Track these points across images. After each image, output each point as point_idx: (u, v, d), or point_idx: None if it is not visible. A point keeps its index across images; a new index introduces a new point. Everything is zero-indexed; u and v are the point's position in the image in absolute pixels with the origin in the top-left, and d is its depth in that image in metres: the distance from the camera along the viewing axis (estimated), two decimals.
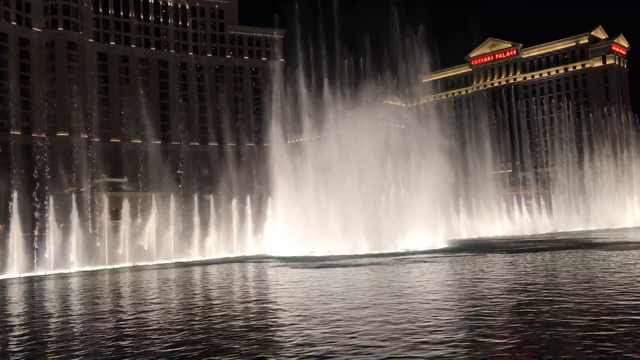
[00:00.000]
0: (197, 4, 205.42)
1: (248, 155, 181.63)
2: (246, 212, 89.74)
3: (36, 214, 72.31)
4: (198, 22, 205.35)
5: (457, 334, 19.62)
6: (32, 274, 59.58)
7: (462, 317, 23.04)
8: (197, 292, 38.57)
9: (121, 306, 32.42)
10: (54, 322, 27.55)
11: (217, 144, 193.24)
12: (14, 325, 26.80)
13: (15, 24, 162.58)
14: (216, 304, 30.91)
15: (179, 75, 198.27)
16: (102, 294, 40.22)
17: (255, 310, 28.00)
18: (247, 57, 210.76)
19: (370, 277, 41.23)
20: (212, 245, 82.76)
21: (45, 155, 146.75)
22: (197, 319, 25.89)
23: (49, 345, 21.52)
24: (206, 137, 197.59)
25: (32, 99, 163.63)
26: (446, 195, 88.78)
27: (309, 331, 21.27)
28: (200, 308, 29.51)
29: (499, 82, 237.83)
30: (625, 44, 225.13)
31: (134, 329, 24.15)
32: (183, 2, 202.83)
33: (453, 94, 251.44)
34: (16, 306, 35.02)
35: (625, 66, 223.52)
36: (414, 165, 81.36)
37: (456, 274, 39.80)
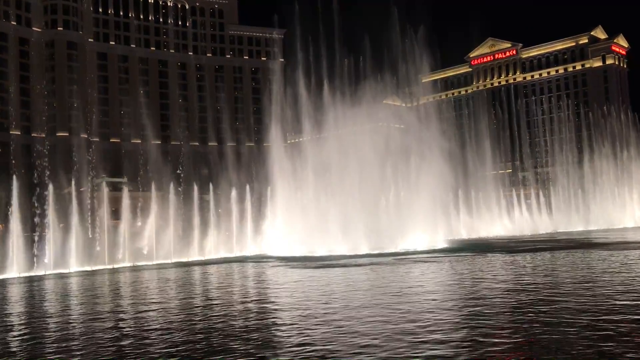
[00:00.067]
0: (197, 4, 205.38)
1: (248, 155, 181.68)
2: (246, 212, 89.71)
3: (36, 214, 72.28)
4: (198, 22, 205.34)
5: (457, 334, 19.60)
6: (32, 273, 59.54)
7: (462, 317, 23.02)
8: (196, 292, 38.55)
9: (121, 306, 32.39)
10: (53, 322, 27.51)
11: (216, 144, 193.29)
12: (14, 325, 26.77)
13: (15, 23, 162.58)
14: (216, 304, 30.89)
15: (178, 75, 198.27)
16: (101, 294, 40.19)
17: (255, 310, 27.98)
18: (246, 57, 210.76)
19: (370, 277, 41.21)
20: (212, 245, 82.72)
21: (45, 155, 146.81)
22: (197, 319, 25.87)
23: (49, 345, 21.49)
24: (206, 137, 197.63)
25: (32, 99, 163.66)
26: (446, 195, 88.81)
27: (309, 331, 21.24)
28: (200, 308, 29.49)
29: (499, 82, 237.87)
30: (625, 44, 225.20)
31: (134, 329, 24.13)
32: (183, 2, 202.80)
33: (453, 93, 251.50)
34: (15, 306, 34.99)
35: (625, 66, 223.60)
36: (413, 165, 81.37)
37: (456, 274, 39.78)
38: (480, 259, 52.41)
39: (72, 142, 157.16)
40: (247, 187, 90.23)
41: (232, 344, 19.84)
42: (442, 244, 76.57)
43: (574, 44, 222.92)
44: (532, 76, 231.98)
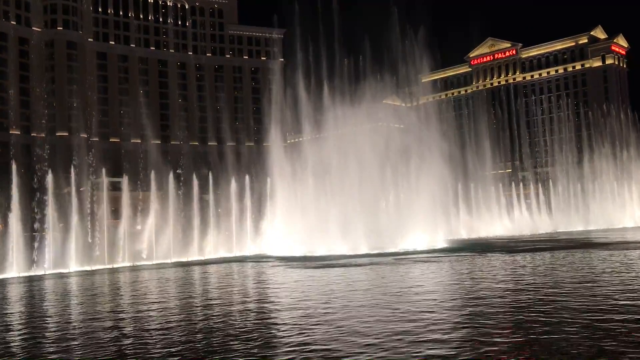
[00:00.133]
0: (197, 4, 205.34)
1: (247, 155, 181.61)
2: (245, 211, 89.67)
3: (35, 214, 72.22)
4: (198, 22, 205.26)
5: (457, 334, 19.59)
6: (31, 273, 59.52)
7: (462, 316, 23.01)
8: (196, 291, 38.53)
9: (121, 306, 32.38)
10: (53, 322, 27.49)
11: (216, 144, 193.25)
12: (14, 325, 26.75)
13: (14, 23, 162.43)
14: (216, 304, 30.87)
15: (178, 74, 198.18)
16: (101, 294, 40.18)
17: (255, 310, 27.97)
18: (246, 57, 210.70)
19: (370, 276, 41.20)
20: (212, 244, 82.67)
21: (45, 154, 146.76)
22: (197, 318, 25.86)
23: (49, 345, 21.47)
24: (206, 137, 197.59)
25: (32, 99, 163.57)
26: (446, 194, 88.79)
27: (309, 331, 21.23)
28: (200, 308, 29.47)
29: (499, 82, 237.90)
30: (625, 44, 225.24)
31: (134, 329, 24.11)
32: (182, 1, 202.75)
33: (453, 93, 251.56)
34: (15, 306, 34.96)
35: (624, 66, 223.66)
36: (413, 165, 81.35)
37: (456, 274, 39.78)
38: (480, 259, 52.40)
39: (72, 141, 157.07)
40: (247, 187, 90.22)
41: (232, 344, 19.82)
42: (442, 244, 76.54)
43: (573, 44, 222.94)
44: (532, 76, 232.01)
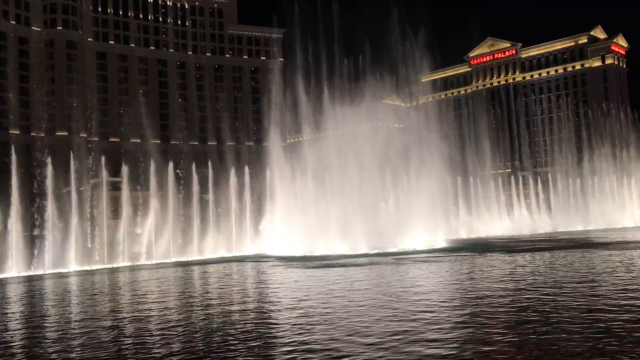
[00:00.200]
0: (197, 3, 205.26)
1: (247, 154, 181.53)
2: (245, 211, 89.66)
3: (35, 214, 72.17)
4: (197, 22, 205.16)
5: (456, 333, 19.58)
6: (31, 273, 59.49)
7: (462, 316, 23.01)
8: (196, 291, 38.52)
9: (120, 306, 32.36)
10: (53, 322, 27.47)
11: (216, 143, 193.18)
12: (14, 325, 26.73)
13: (14, 23, 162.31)
14: (216, 304, 30.86)
15: (178, 74, 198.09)
16: (101, 294, 40.16)
17: (255, 310, 27.95)
18: (246, 57, 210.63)
19: (370, 276, 41.20)
20: (211, 244, 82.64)
21: (45, 154, 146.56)
22: (197, 318, 25.83)
23: (49, 345, 21.45)
24: (205, 137, 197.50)
25: (31, 98, 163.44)
26: (445, 194, 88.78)
27: (309, 331, 21.22)
28: (200, 308, 29.45)
29: (498, 82, 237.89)
30: (625, 44, 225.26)
31: (134, 329, 24.09)
32: (182, 1, 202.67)
33: (452, 93, 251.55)
34: (15, 306, 34.94)
35: (624, 66, 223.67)
36: (413, 165, 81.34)
37: (456, 274, 39.78)
38: (480, 258, 52.40)
39: (72, 141, 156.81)
40: (247, 186, 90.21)
41: (232, 344, 19.81)
42: (442, 244, 76.56)
43: (573, 43, 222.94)
44: (532, 76, 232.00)
